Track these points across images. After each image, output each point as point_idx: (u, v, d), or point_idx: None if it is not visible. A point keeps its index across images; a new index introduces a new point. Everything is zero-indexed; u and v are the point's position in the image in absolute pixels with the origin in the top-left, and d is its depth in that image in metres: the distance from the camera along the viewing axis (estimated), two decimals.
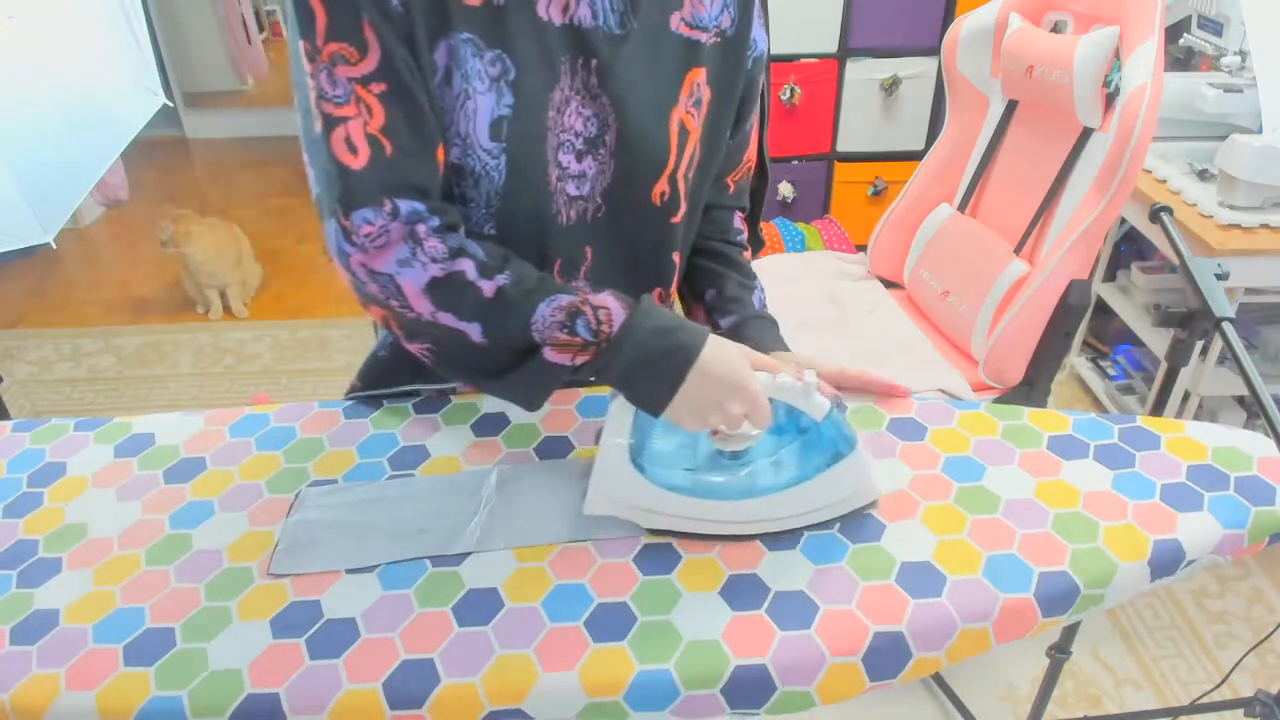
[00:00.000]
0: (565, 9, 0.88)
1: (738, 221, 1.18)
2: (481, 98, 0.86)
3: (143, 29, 2.33)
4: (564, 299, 0.87)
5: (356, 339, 3.27)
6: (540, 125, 0.90)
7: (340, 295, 3.56)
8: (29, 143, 2.04)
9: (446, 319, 0.87)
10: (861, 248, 2.45)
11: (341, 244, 0.85)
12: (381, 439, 1.04)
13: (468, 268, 0.86)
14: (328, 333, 3.32)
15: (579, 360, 0.88)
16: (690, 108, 0.97)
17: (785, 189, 3.24)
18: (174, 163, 4.92)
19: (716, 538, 0.88)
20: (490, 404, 1.08)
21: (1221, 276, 1.22)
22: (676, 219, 1.03)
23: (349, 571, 0.86)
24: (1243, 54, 2.32)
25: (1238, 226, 2.03)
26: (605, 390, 1.10)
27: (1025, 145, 1.97)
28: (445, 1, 0.83)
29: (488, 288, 0.86)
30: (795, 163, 3.22)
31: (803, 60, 3.03)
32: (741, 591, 0.82)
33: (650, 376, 0.86)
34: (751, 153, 1.14)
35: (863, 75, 3.08)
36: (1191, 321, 1.26)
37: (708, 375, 0.84)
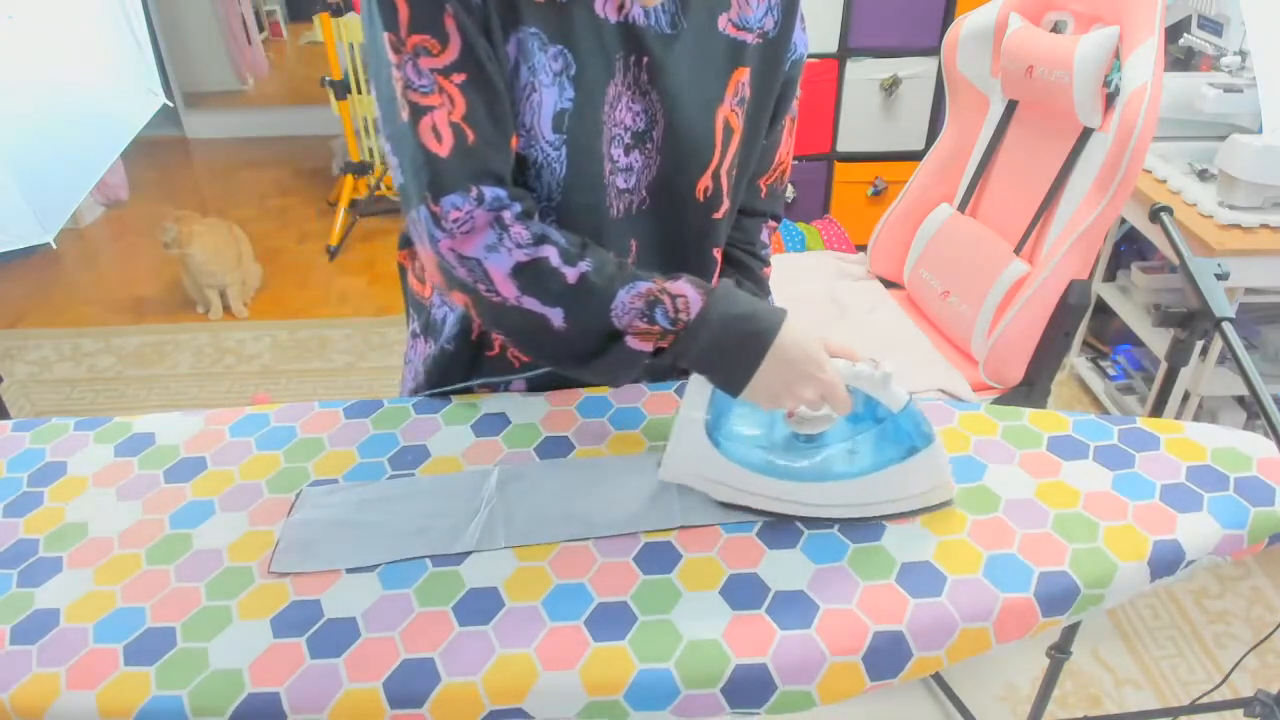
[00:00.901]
0: (620, 7, 0.91)
1: (765, 234, 1.20)
2: (546, 91, 0.89)
3: (143, 29, 2.33)
4: (643, 285, 0.89)
5: (357, 339, 3.27)
6: (598, 119, 0.93)
7: (341, 295, 3.56)
8: (29, 143, 2.04)
9: (531, 303, 0.88)
10: (861, 248, 2.45)
11: (431, 229, 0.87)
12: (382, 439, 1.04)
13: (551, 254, 0.88)
14: (327, 333, 3.32)
15: (658, 346, 0.91)
16: (735, 106, 1.00)
17: (788, 189, 3.23)
18: (174, 163, 4.91)
19: (786, 518, 0.90)
20: (490, 404, 1.08)
21: (1221, 276, 1.22)
22: (719, 214, 1.06)
23: (349, 571, 0.86)
24: (1243, 54, 2.32)
25: (1238, 226, 2.03)
26: (605, 390, 1.10)
27: (1025, 145, 1.97)
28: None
29: (571, 274, 0.88)
30: (795, 163, 3.20)
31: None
32: (742, 591, 0.82)
33: (727, 361, 0.88)
34: (784, 156, 1.16)
35: (863, 75, 3.07)
36: (1191, 321, 1.26)
37: (782, 360, 0.86)
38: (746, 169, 1.08)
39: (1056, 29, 1.92)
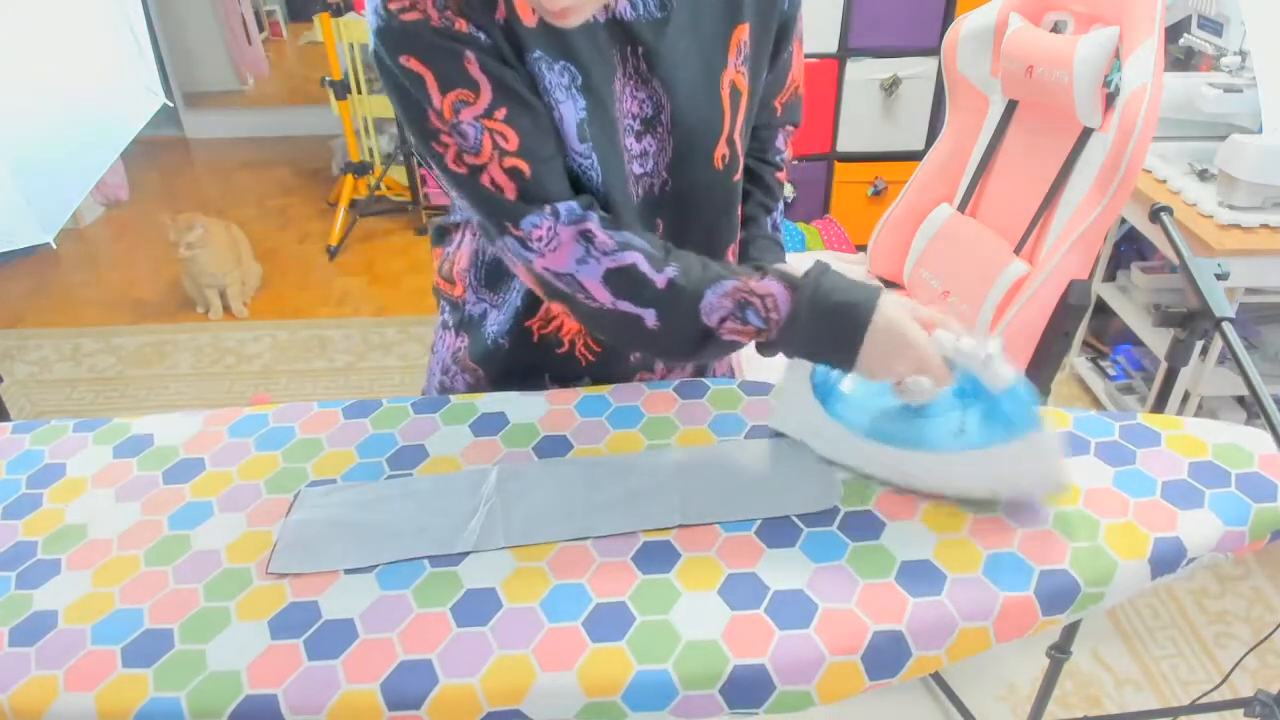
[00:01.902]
0: (607, 5, 0.91)
1: (780, 140, 1.21)
2: (563, 106, 0.92)
3: (143, 29, 2.33)
4: (729, 284, 0.91)
5: (357, 339, 3.27)
6: (611, 117, 0.95)
7: (341, 295, 3.56)
8: (29, 143, 2.04)
9: (625, 306, 0.92)
10: (861, 248, 2.45)
11: (521, 252, 0.92)
12: (380, 439, 1.03)
13: (638, 260, 0.91)
14: (327, 333, 3.32)
15: (756, 341, 0.93)
16: (739, 67, 1.01)
17: (785, 189, 3.23)
18: (174, 163, 4.91)
19: (886, 484, 0.93)
20: (489, 404, 1.08)
21: (1221, 276, 1.22)
22: (738, 176, 1.07)
23: (347, 572, 0.85)
24: (1243, 54, 2.32)
25: (1238, 226, 2.03)
26: (604, 390, 1.10)
27: (1025, 145, 1.97)
28: (514, 29, 0.88)
29: (659, 280, 0.91)
30: (795, 163, 3.22)
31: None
32: (740, 590, 0.82)
33: (827, 350, 0.91)
34: (796, 76, 1.16)
35: (863, 75, 3.07)
36: (1191, 321, 1.26)
37: (878, 341, 0.87)
38: (751, 112, 1.07)
39: (1056, 29, 1.92)
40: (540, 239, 0.90)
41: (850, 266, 2.34)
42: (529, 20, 0.89)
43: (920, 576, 0.83)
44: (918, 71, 3.07)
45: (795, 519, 0.90)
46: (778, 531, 0.89)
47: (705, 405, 1.07)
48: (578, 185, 0.95)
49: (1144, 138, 1.60)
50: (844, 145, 3.21)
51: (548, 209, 0.90)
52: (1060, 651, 1.64)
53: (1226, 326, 1.15)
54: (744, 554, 0.86)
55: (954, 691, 1.92)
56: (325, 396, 2.92)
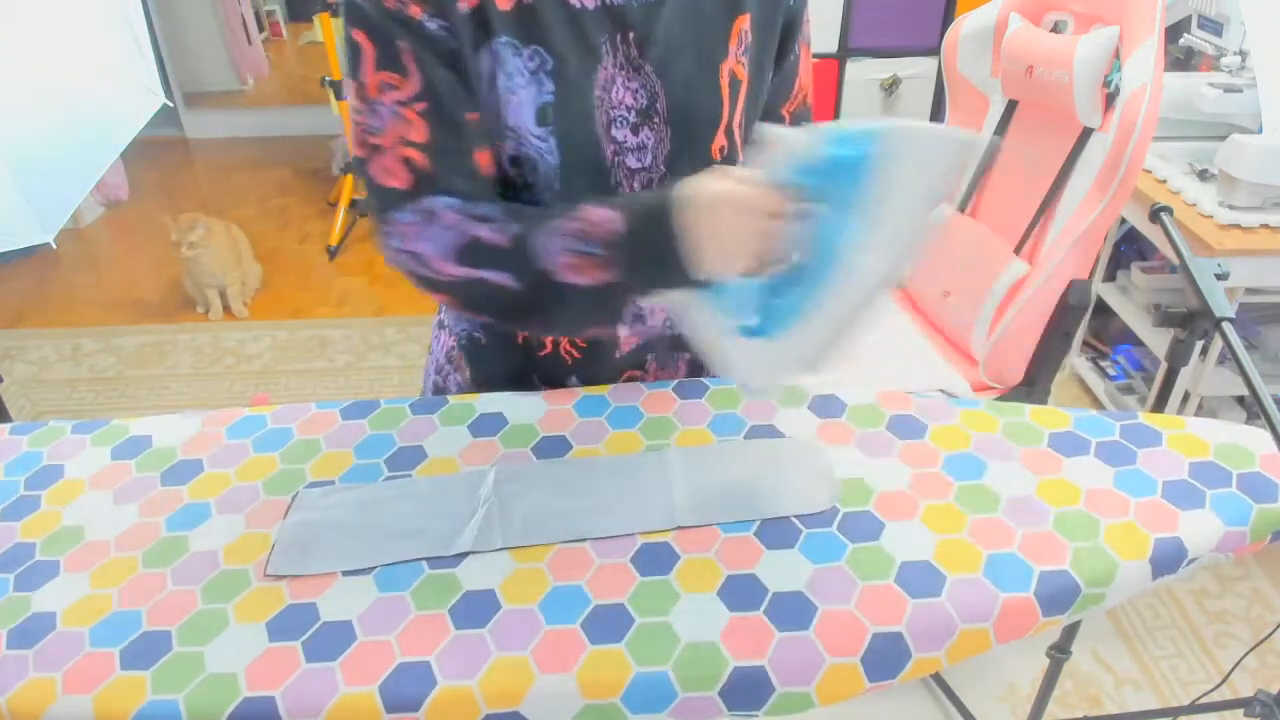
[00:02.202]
0: None
1: None
2: (524, 90, 0.93)
3: (143, 29, 2.33)
4: (566, 224, 0.88)
5: (357, 339, 3.27)
6: (586, 105, 0.95)
7: (341, 295, 3.56)
8: (29, 143, 2.04)
9: (484, 274, 0.91)
10: None
11: (389, 240, 0.94)
12: (378, 440, 1.03)
13: (481, 230, 0.91)
14: (327, 333, 3.32)
15: (603, 278, 0.88)
16: (740, 57, 0.99)
17: None
18: (174, 163, 4.91)
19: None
20: (487, 404, 1.08)
21: (1221, 276, 1.21)
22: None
23: (345, 574, 0.85)
24: (1243, 54, 2.31)
25: (1238, 226, 2.03)
26: (603, 390, 1.10)
27: (1025, 145, 1.97)
28: (485, 13, 0.90)
29: (503, 240, 0.90)
30: None
31: None
32: (739, 592, 0.82)
33: (663, 256, 0.84)
34: (804, 83, 1.14)
35: (863, 75, 3.07)
36: (1191, 321, 1.26)
37: (701, 218, 0.81)
38: (757, 111, 1.07)
39: (1056, 29, 1.92)
40: (405, 228, 0.92)
41: None
42: (504, 3, 0.90)
43: (920, 578, 0.83)
44: (918, 71, 3.07)
45: (794, 520, 0.90)
46: (777, 533, 0.89)
47: (705, 405, 1.07)
48: (529, 170, 0.95)
49: (1144, 138, 1.60)
50: None
51: (425, 204, 0.92)
52: (1060, 651, 1.64)
53: (1226, 326, 1.15)
54: (743, 555, 0.86)
55: (954, 691, 1.92)
56: (325, 396, 2.92)
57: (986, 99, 2.07)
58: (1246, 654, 1.61)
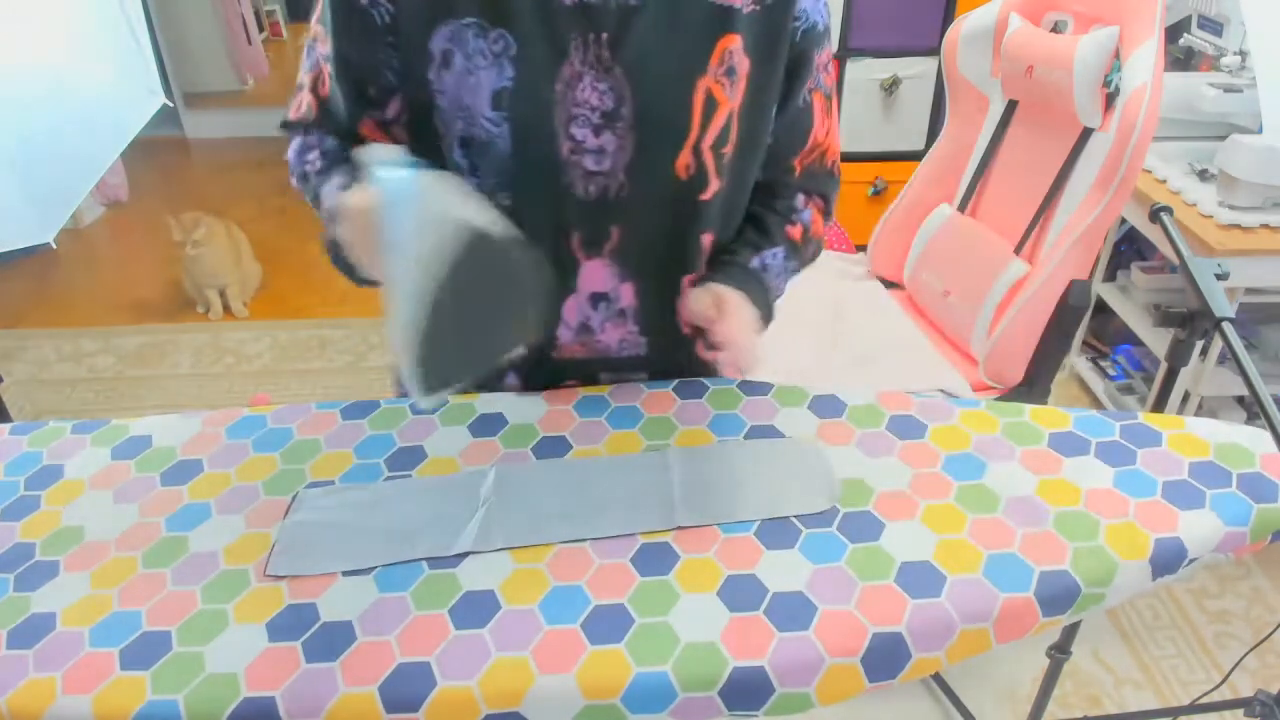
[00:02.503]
0: None
1: (798, 200, 1.14)
2: (484, 73, 0.93)
3: (143, 29, 2.33)
4: (335, 188, 0.96)
5: (356, 339, 3.27)
6: (545, 97, 0.94)
7: (341, 295, 3.56)
8: (29, 143, 2.04)
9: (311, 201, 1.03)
10: (861, 248, 2.45)
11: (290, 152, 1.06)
12: (378, 440, 1.03)
13: (311, 164, 1.03)
14: (328, 333, 3.32)
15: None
16: (721, 77, 0.97)
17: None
18: (174, 163, 4.91)
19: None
20: (487, 404, 1.08)
21: (1221, 276, 1.21)
22: (706, 195, 1.02)
23: (345, 574, 0.85)
24: (1243, 54, 2.32)
25: (1238, 226, 2.03)
26: (604, 390, 1.10)
27: (1025, 145, 1.97)
28: None
29: (313, 176, 1.03)
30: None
31: None
32: (739, 592, 0.82)
33: (335, 244, 0.96)
34: (821, 136, 1.11)
35: (863, 75, 3.07)
36: (1191, 321, 1.26)
37: (338, 220, 0.88)
38: (754, 149, 1.04)
39: (1056, 29, 1.92)
40: (291, 143, 1.06)
41: (851, 266, 2.34)
42: None
43: (920, 578, 0.83)
44: (918, 71, 3.07)
45: (794, 520, 0.90)
46: (777, 533, 0.89)
47: (704, 405, 1.07)
48: (477, 153, 0.96)
49: (1144, 138, 1.60)
50: (844, 145, 3.17)
51: (312, 135, 1.04)
52: (1060, 651, 1.64)
53: (1226, 326, 1.15)
54: (743, 555, 0.86)
55: (954, 691, 1.92)
56: (325, 397, 2.92)
57: (986, 99, 2.07)
58: (1246, 654, 1.61)
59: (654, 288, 1.06)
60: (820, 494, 0.93)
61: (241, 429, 1.06)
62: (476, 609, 0.81)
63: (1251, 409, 2.38)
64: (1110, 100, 1.73)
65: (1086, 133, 1.78)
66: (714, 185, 1.02)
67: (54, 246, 2.06)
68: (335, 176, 0.98)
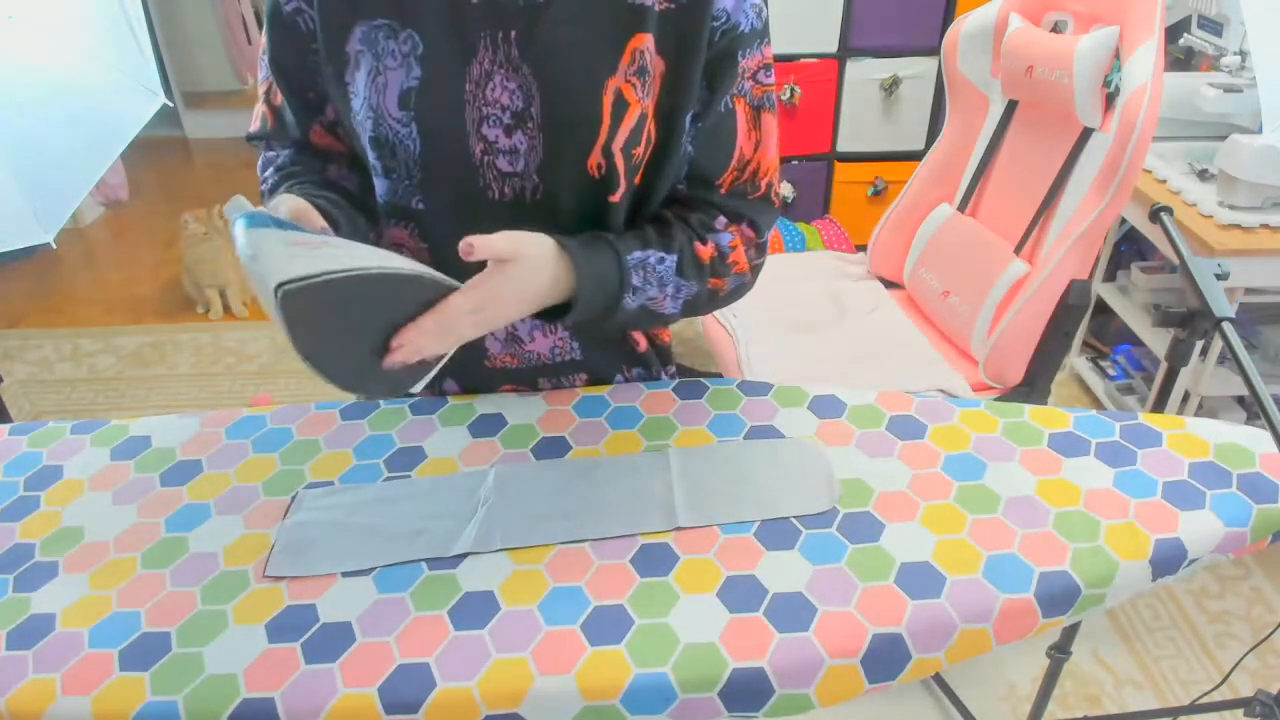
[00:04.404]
0: None
1: (719, 222, 1.03)
2: (392, 73, 0.93)
3: (143, 29, 2.33)
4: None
5: None
6: (454, 96, 0.93)
7: None
8: (29, 143, 2.04)
9: None
10: (861, 248, 2.45)
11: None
12: (378, 440, 1.03)
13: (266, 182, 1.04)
14: None
15: None
16: (631, 77, 0.94)
17: (785, 189, 3.23)
18: (174, 163, 4.91)
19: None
20: (486, 404, 1.08)
21: (1221, 276, 1.21)
22: (615, 197, 0.98)
23: (345, 575, 0.85)
24: (1243, 54, 2.31)
25: (1238, 226, 2.03)
26: (603, 389, 1.10)
27: (1025, 145, 1.97)
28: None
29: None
30: (795, 163, 3.22)
31: (803, 60, 3.02)
32: (739, 593, 0.82)
33: None
34: (749, 151, 1.02)
35: (863, 75, 3.07)
36: (1191, 321, 1.26)
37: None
38: (669, 155, 0.99)
39: (1056, 29, 1.92)
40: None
41: (851, 266, 2.34)
42: None
43: (919, 578, 0.83)
44: (918, 71, 3.06)
45: (794, 521, 0.90)
46: (776, 533, 0.89)
47: (704, 406, 1.07)
48: (387, 154, 0.96)
49: (1144, 138, 1.60)
50: (844, 145, 3.21)
51: (274, 148, 1.06)
52: (1060, 651, 1.64)
53: (1226, 326, 1.15)
54: (743, 556, 0.86)
55: (954, 691, 1.92)
56: (325, 397, 2.92)
57: (986, 99, 2.07)
58: (1246, 654, 1.61)
59: None
60: (820, 494, 0.93)
61: (241, 429, 1.06)
62: (476, 610, 0.81)
63: (1251, 409, 2.38)
64: (1110, 100, 1.73)
65: (1086, 133, 1.78)
66: (622, 187, 0.98)
67: (54, 246, 2.06)
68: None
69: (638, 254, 0.97)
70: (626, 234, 1.00)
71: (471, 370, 1.10)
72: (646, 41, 0.94)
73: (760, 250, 1.08)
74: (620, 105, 0.94)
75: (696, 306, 1.05)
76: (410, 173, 0.97)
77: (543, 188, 0.97)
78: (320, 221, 0.87)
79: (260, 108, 1.05)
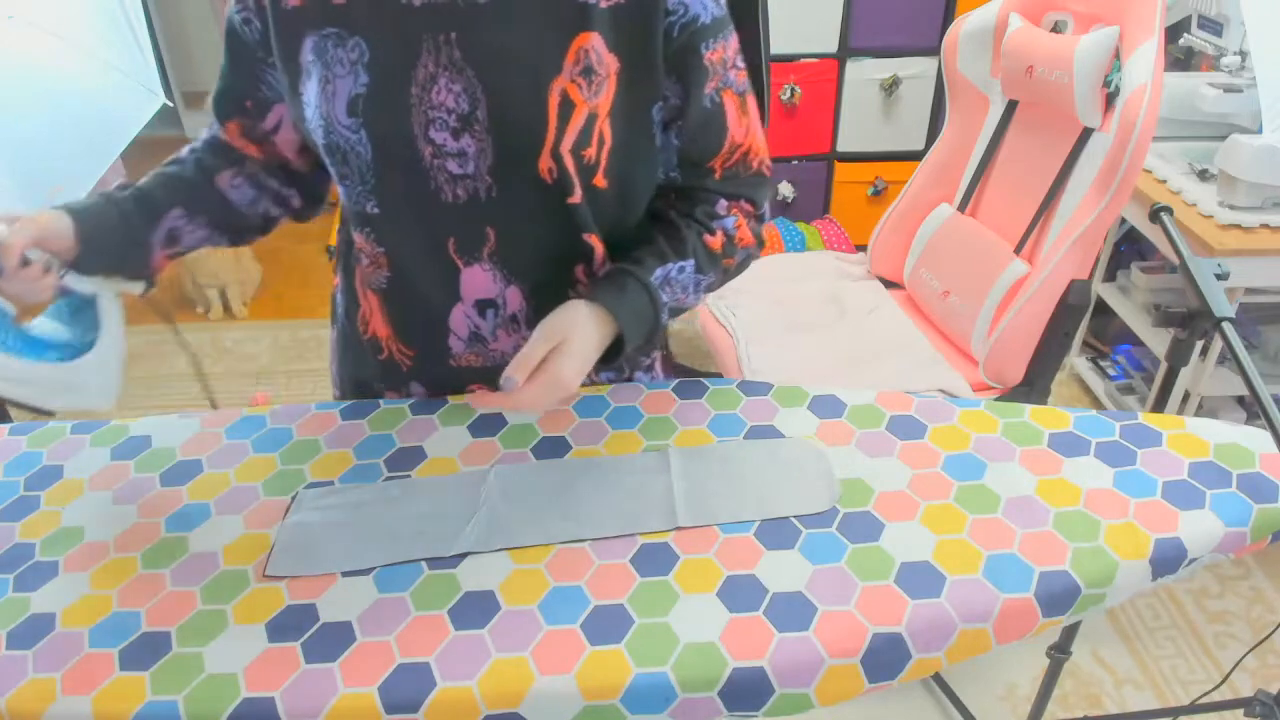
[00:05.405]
0: None
1: (721, 206, 1.06)
2: (341, 81, 0.93)
3: (142, 29, 2.33)
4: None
5: None
6: (401, 101, 0.93)
7: None
8: (29, 142, 2.04)
9: None
10: (861, 247, 2.45)
11: None
12: (378, 440, 1.03)
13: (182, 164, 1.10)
14: (327, 333, 3.31)
15: None
16: (577, 77, 0.93)
17: (785, 189, 3.23)
18: None
19: None
20: None
21: (1221, 276, 1.21)
22: (574, 199, 0.97)
23: (345, 574, 0.85)
24: (1243, 54, 2.32)
25: (1238, 226, 2.03)
26: (604, 390, 1.10)
27: (1025, 146, 1.97)
28: (302, 11, 0.94)
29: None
30: (795, 163, 3.22)
31: (803, 60, 3.02)
32: (739, 593, 0.82)
33: None
34: (740, 137, 1.03)
35: (863, 75, 3.07)
36: (1191, 321, 1.26)
37: None
38: (634, 151, 0.99)
39: (1056, 29, 1.92)
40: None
41: (851, 266, 2.34)
42: None
43: (919, 578, 0.83)
44: (918, 71, 3.07)
45: (794, 520, 0.90)
46: (777, 533, 0.89)
47: (704, 405, 1.07)
48: (339, 161, 0.97)
49: (1144, 138, 1.60)
50: (844, 145, 3.21)
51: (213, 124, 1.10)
52: (1060, 651, 1.64)
53: (1226, 326, 1.15)
54: (743, 556, 0.86)
55: (954, 691, 1.92)
56: (325, 397, 2.92)
57: (987, 99, 2.07)
58: (1246, 654, 1.61)
59: (543, 290, 1.02)
60: (820, 494, 0.93)
61: (241, 429, 1.06)
62: (476, 609, 0.81)
63: (1251, 409, 2.38)
64: (1110, 100, 1.73)
65: (1086, 133, 1.78)
66: (579, 188, 0.97)
67: None
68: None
69: (659, 273, 1.00)
70: (642, 251, 1.01)
71: (437, 370, 1.09)
72: (593, 40, 0.93)
73: (760, 220, 1.10)
74: (566, 106, 0.93)
75: (713, 288, 1.09)
76: (364, 178, 0.97)
77: (496, 189, 0.96)
78: (53, 246, 0.96)
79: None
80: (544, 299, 1.00)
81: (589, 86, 0.93)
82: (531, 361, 0.89)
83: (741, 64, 1.02)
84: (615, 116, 0.96)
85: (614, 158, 0.98)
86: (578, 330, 0.93)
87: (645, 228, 1.05)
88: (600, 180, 0.98)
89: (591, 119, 0.94)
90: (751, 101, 1.05)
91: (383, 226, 1.01)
